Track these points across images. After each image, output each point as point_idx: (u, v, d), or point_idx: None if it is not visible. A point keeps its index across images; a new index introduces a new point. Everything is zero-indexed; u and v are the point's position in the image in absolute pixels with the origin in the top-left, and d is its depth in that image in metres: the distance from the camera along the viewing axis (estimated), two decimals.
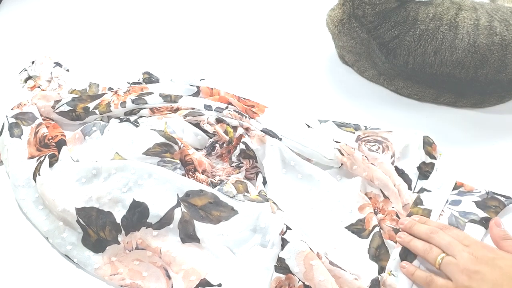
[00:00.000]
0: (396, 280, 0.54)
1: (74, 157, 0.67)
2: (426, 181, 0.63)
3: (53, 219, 0.61)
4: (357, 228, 0.58)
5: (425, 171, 0.64)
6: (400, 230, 0.58)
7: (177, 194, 0.59)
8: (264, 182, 0.64)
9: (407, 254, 0.56)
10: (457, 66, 0.71)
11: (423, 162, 0.65)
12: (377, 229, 0.57)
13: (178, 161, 0.64)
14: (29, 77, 0.83)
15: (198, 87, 0.76)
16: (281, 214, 0.58)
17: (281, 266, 0.54)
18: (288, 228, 0.56)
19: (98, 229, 0.59)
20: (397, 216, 0.59)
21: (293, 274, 0.53)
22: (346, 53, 0.83)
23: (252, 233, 0.57)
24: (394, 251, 0.56)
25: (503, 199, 0.60)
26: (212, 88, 0.76)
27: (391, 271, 0.54)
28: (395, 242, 0.57)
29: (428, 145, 0.66)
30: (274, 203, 0.59)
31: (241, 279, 0.54)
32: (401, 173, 0.64)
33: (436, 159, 0.65)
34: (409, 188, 0.62)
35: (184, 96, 0.74)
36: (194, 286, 0.54)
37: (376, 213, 0.60)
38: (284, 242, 0.54)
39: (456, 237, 0.53)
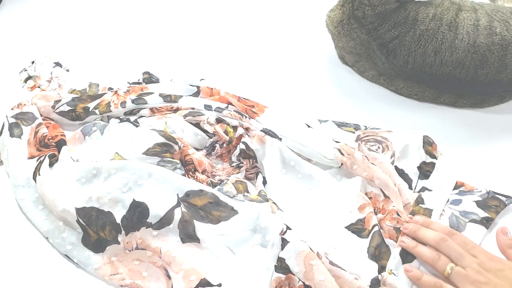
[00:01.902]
0: (397, 279, 0.54)
1: (74, 157, 0.67)
2: (426, 180, 0.63)
3: (53, 219, 0.61)
4: (357, 228, 0.58)
5: (425, 170, 0.64)
6: (403, 234, 0.57)
7: (177, 194, 0.59)
8: (264, 182, 0.64)
9: (407, 254, 0.56)
10: (457, 66, 0.71)
11: (424, 162, 0.65)
12: (376, 228, 0.57)
13: (178, 161, 0.64)
14: (29, 77, 0.83)
15: (198, 87, 0.76)
16: (281, 214, 0.58)
17: (281, 266, 0.54)
18: (288, 228, 0.56)
19: (98, 229, 0.59)
20: (398, 214, 0.59)
21: (293, 274, 0.53)
22: (346, 54, 0.83)
23: (252, 233, 0.57)
24: (395, 250, 0.56)
25: (503, 198, 0.60)
26: (212, 88, 0.76)
27: (391, 270, 0.54)
28: (395, 241, 0.57)
29: (428, 144, 0.66)
30: (274, 203, 0.59)
31: (241, 279, 0.54)
32: (401, 172, 0.64)
33: (436, 159, 0.65)
34: (410, 187, 0.62)
35: (184, 96, 0.74)
36: (194, 286, 0.54)
37: (376, 213, 0.60)
38: (284, 242, 0.54)
39: (464, 246, 0.53)
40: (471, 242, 0.54)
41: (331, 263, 0.53)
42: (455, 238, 0.54)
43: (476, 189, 0.62)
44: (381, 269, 0.55)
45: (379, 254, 0.56)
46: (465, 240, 0.54)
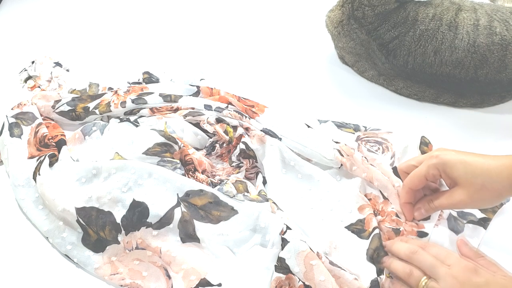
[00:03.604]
0: None
1: (74, 157, 0.67)
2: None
3: (53, 219, 0.61)
4: (357, 228, 0.58)
5: None
6: (402, 234, 0.57)
7: (177, 194, 0.59)
8: (264, 182, 0.64)
9: None
10: (457, 66, 0.71)
11: None
12: (376, 231, 0.57)
13: (178, 161, 0.64)
14: (29, 77, 0.83)
15: (198, 87, 0.76)
16: (281, 214, 0.58)
17: (281, 266, 0.54)
18: (288, 228, 0.56)
19: (98, 229, 0.59)
20: (397, 216, 0.59)
21: (293, 274, 0.53)
22: (346, 54, 0.83)
23: (252, 233, 0.57)
24: None
25: None
26: (212, 88, 0.76)
27: (389, 274, 0.54)
28: None
29: (424, 145, 0.66)
30: (274, 203, 0.59)
31: (241, 279, 0.54)
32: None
33: None
34: None
35: (184, 96, 0.74)
36: (194, 286, 0.54)
37: (376, 215, 0.60)
38: (284, 242, 0.54)
39: (437, 256, 0.51)
40: (444, 252, 0.52)
41: (331, 263, 0.53)
42: (428, 250, 0.52)
43: None
44: (380, 271, 0.55)
45: (377, 257, 0.55)
46: (438, 250, 0.52)
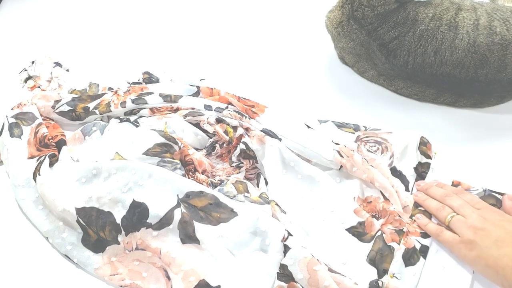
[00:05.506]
0: (400, 282, 0.53)
1: (74, 157, 0.67)
2: (422, 181, 0.63)
3: (53, 219, 0.61)
4: (358, 231, 0.58)
5: (421, 171, 0.64)
6: (406, 235, 0.57)
7: (177, 195, 0.59)
8: (266, 184, 0.64)
9: (410, 257, 0.55)
10: (457, 66, 0.71)
11: (419, 163, 0.65)
12: (379, 233, 0.57)
13: (178, 161, 0.64)
14: (29, 77, 0.83)
15: (198, 87, 0.76)
16: (283, 219, 0.57)
17: (283, 274, 0.53)
18: (289, 234, 0.55)
19: (98, 229, 0.59)
20: (399, 216, 0.59)
21: (296, 282, 0.52)
22: (346, 54, 0.83)
23: (252, 236, 0.57)
24: (397, 253, 0.56)
25: (500, 196, 0.60)
26: (212, 88, 0.76)
27: (393, 274, 0.54)
28: (398, 244, 0.57)
29: (423, 145, 0.66)
30: (277, 204, 0.59)
31: (241, 282, 0.54)
32: (398, 174, 0.64)
33: (431, 159, 0.65)
34: (407, 189, 0.62)
35: (184, 96, 0.74)
36: (193, 287, 0.54)
37: (377, 218, 0.60)
38: (286, 249, 0.54)
39: (470, 201, 0.56)
40: (477, 198, 0.56)
41: (329, 270, 0.53)
42: (462, 195, 0.57)
43: (473, 188, 0.62)
44: (383, 272, 0.55)
45: (380, 257, 0.55)
46: (471, 197, 0.56)
